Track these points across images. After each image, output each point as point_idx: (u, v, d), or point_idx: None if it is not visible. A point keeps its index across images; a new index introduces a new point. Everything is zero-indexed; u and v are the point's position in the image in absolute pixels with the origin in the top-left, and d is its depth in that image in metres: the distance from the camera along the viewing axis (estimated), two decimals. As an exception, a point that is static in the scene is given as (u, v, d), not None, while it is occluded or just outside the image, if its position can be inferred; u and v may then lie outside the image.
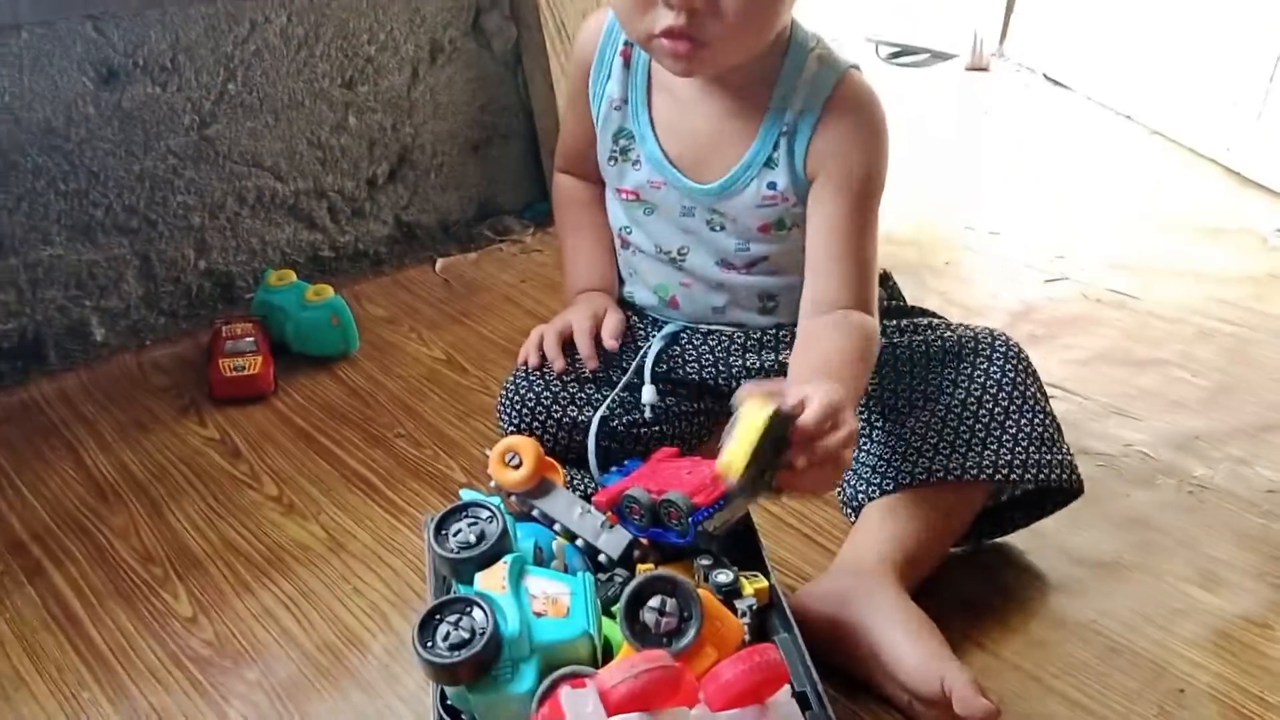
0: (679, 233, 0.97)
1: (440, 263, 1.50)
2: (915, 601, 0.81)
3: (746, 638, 0.69)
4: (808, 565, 0.93)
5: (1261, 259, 1.50)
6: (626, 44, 0.95)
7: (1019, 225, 1.60)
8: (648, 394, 0.97)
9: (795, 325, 0.99)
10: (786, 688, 0.62)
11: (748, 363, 0.99)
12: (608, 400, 0.96)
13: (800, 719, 0.62)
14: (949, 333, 0.94)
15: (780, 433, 0.72)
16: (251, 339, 1.21)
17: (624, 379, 0.98)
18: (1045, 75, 2.26)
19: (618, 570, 0.76)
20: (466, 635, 0.64)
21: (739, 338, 1.00)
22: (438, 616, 0.66)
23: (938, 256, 1.50)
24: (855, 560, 0.84)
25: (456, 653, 0.63)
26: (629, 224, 1.01)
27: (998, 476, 0.86)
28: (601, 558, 0.77)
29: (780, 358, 0.98)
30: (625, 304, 1.06)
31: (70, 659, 0.86)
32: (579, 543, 0.79)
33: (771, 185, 0.91)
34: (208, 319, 1.34)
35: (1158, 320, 1.34)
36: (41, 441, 1.13)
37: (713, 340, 1.00)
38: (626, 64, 0.95)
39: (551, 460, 0.86)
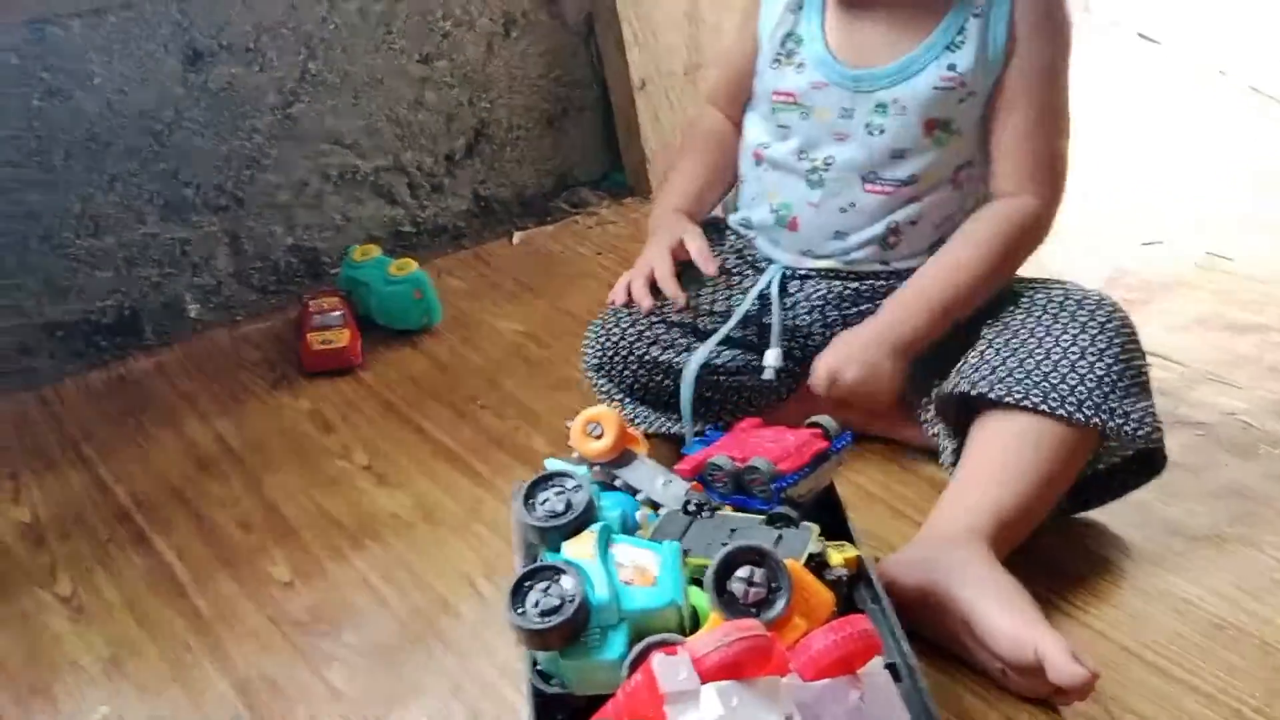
0: (830, 139, 0.96)
1: (518, 236, 1.51)
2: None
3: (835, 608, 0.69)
4: (895, 536, 0.92)
5: (1367, 218, 1.42)
6: None
7: (1111, 187, 1.55)
8: (772, 358, 0.97)
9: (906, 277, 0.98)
10: (878, 659, 0.62)
11: (844, 314, 0.98)
12: (709, 345, 0.96)
13: (893, 690, 0.62)
14: (1050, 290, 0.92)
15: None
16: (339, 313, 1.24)
17: (725, 327, 0.97)
18: (1137, 32, 2.17)
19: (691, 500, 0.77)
20: (556, 602, 0.65)
21: (837, 289, 0.99)
22: (528, 584, 0.67)
23: (1023, 221, 1.46)
24: (944, 526, 0.83)
25: (547, 619, 0.64)
26: (769, 138, 1.00)
27: (1077, 416, 0.83)
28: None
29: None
30: (729, 234, 1.06)
31: (176, 624, 0.90)
32: (662, 512, 0.79)
33: (952, 67, 0.91)
34: (295, 294, 1.37)
35: (1255, 283, 1.29)
36: (142, 414, 1.17)
37: (810, 286, 0.99)
38: None
39: (633, 432, 0.86)
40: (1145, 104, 1.86)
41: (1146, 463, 0.89)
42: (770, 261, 1.02)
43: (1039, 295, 0.92)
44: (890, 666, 0.66)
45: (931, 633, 0.77)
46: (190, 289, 1.33)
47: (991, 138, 0.94)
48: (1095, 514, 0.92)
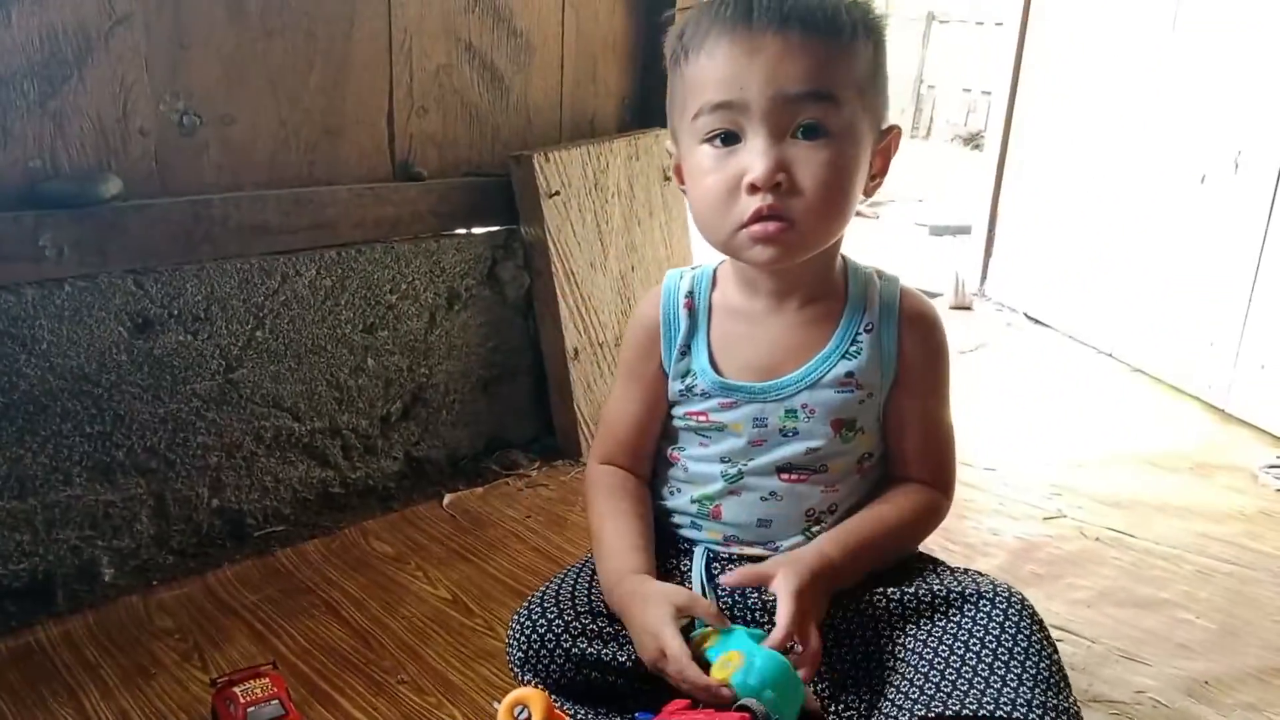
0: (747, 446, 1.00)
1: (448, 498, 1.53)
2: None
3: None
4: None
5: (1252, 496, 1.53)
6: (688, 295, 1.03)
7: (1013, 461, 1.64)
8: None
9: None
10: None
11: (764, 597, 0.98)
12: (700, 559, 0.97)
13: None
14: (952, 581, 0.95)
15: None
16: (275, 700, 1.01)
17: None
18: (1026, 314, 2.37)
19: None
20: None
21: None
22: None
23: (935, 493, 1.53)
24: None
25: None
26: (687, 445, 1.03)
27: (999, 713, 0.84)
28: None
29: None
30: (657, 517, 1.07)
31: None
32: (588, 805, 0.77)
33: (850, 374, 0.98)
34: (215, 558, 1.35)
35: (1156, 559, 1.36)
36: (44, 687, 1.11)
37: (734, 569, 0.99)
38: (690, 313, 1.03)
39: (561, 714, 0.85)
40: (1039, 382, 2.01)
41: None
42: (693, 544, 1.04)
43: (950, 593, 0.93)
44: None
45: None
46: (108, 551, 1.30)
47: (894, 444, 1.02)
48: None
